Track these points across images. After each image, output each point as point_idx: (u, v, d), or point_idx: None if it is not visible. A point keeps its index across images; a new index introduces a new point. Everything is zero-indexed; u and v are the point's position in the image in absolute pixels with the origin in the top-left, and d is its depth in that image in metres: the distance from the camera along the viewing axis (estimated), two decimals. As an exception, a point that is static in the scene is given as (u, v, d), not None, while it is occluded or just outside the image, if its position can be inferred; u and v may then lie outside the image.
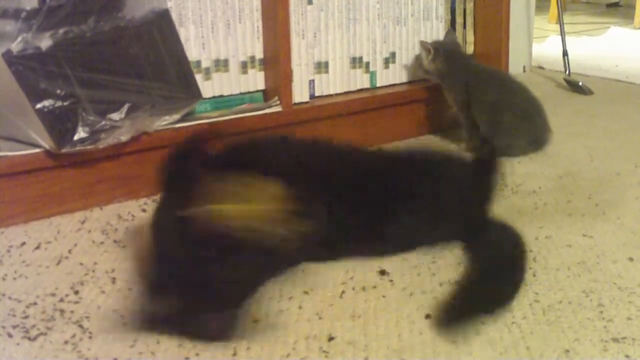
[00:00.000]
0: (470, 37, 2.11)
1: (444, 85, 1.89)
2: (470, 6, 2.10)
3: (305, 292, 1.14)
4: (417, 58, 1.97)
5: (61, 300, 1.12)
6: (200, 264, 1.01)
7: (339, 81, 1.89)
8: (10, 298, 1.13)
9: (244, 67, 1.73)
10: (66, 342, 1.00)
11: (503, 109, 1.80)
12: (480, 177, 1.37)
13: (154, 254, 1.11)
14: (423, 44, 1.89)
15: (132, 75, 1.47)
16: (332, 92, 1.88)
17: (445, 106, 1.91)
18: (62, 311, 1.09)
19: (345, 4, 1.86)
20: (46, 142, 1.38)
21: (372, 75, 1.95)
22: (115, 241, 1.34)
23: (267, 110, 1.71)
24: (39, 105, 1.35)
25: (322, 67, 1.85)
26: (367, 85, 1.95)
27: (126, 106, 1.44)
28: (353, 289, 1.15)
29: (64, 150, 1.38)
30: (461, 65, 1.89)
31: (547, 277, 1.18)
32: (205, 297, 1.01)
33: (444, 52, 1.87)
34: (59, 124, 1.37)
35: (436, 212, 1.27)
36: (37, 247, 1.31)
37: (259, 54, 1.75)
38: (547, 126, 1.84)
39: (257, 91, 1.77)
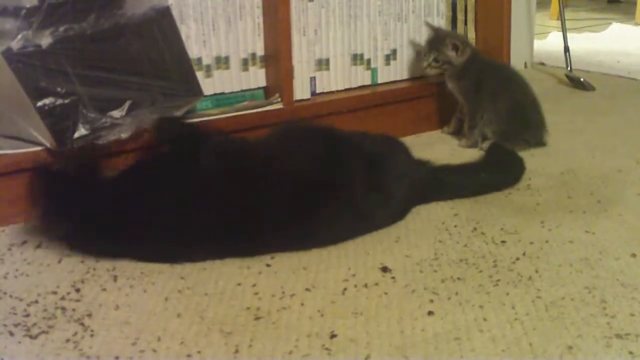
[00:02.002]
0: (472, 34, 2.11)
1: (455, 75, 1.88)
2: (471, 2, 2.09)
3: (307, 289, 1.14)
4: (429, 53, 1.90)
5: (62, 298, 1.12)
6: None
7: (340, 78, 1.89)
8: (11, 296, 1.13)
9: (245, 64, 1.73)
10: (68, 341, 1.00)
11: (501, 98, 1.81)
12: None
13: None
14: (450, 40, 1.85)
15: (133, 72, 1.47)
16: (333, 89, 1.88)
17: (451, 103, 1.92)
18: (63, 309, 1.09)
19: (346, 1, 1.85)
20: (47, 140, 1.38)
21: (373, 72, 1.95)
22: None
23: (268, 108, 1.70)
24: (39, 103, 1.35)
25: (323, 64, 1.84)
26: (368, 82, 1.95)
27: (127, 103, 1.44)
28: (355, 286, 1.15)
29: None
30: (474, 55, 1.89)
31: (550, 274, 1.17)
32: None
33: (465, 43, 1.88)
34: (60, 122, 1.37)
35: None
36: (39, 246, 1.31)
37: (260, 51, 1.75)
38: (542, 122, 1.84)
39: (258, 88, 1.76)
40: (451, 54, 1.86)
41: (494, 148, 1.75)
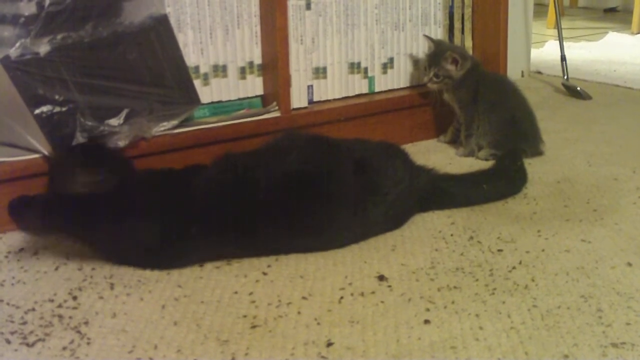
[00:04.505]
0: (469, 42, 2.12)
1: (452, 87, 1.88)
2: (468, 11, 2.10)
3: (304, 298, 1.14)
4: (429, 69, 1.89)
5: (59, 306, 1.12)
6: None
7: (338, 86, 1.89)
8: (8, 304, 1.13)
9: (242, 72, 1.73)
10: (64, 348, 1.00)
11: (497, 110, 1.81)
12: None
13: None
14: (450, 54, 1.85)
15: (131, 80, 1.47)
16: (330, 97, 1.88)
17: (447, 112, 1.92)
18: (60, 317, 1.09)
19: (344, 10, 1.86)
20: (44, 148, 1.38)
21: (371, 81, 1.95)
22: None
23: (266, 116, 1.71)
24: (37, 111, 1.35)
25: (320, 72, 1.85)
26: (365, 90, 1.95)
27: (124, 112, 1.44)
28: (351, 294, 1.15)
29: (62, 156, 1.38)
30: (473, 67, 1.89)
31: (546, 282, 1.18)
32: None
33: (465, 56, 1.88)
34: (57, 130, 1.37)
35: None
36: (36, 253, 1.31)
37: (258, 60, 1.75)
38: (538, 134, 1.85)
39: (256, 96, 1.77)
40: (451, 67, 1.86)
41: (503, 158, 1.76)
